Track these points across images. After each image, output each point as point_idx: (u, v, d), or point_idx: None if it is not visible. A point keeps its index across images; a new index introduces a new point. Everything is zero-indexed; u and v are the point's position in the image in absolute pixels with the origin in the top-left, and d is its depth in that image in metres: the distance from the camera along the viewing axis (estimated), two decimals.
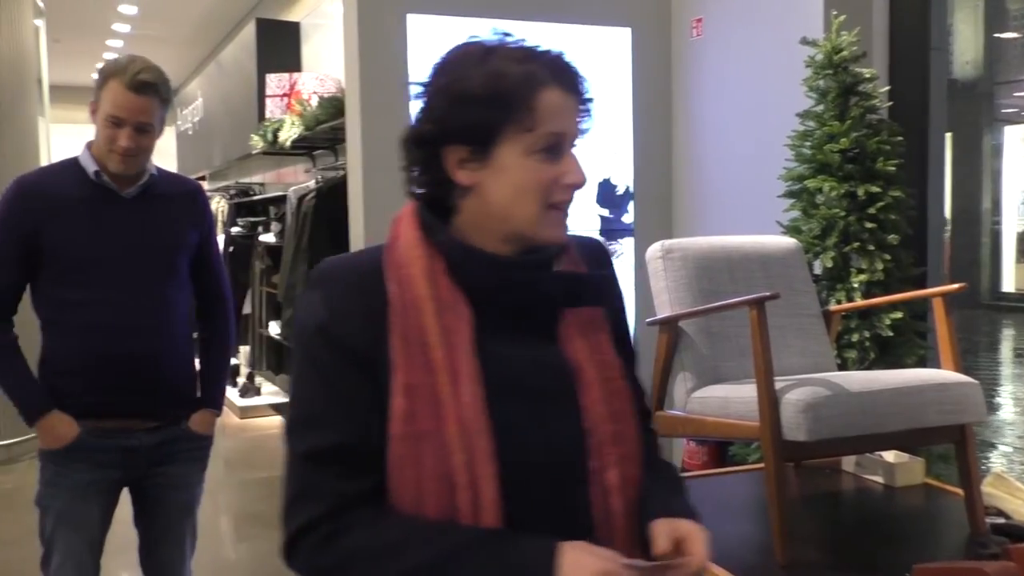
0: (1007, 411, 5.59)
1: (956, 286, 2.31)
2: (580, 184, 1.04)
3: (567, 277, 1.09)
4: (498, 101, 1.00)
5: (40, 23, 5.97)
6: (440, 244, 1.03)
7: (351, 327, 1.01)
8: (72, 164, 2.05)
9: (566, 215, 1.07)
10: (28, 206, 1.99)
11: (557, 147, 1.02)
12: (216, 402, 2.22)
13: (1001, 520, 2.27)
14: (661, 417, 2.53)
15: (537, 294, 1.06)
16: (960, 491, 2.25)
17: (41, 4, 5.99)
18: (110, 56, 11.00)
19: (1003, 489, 2.38)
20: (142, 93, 1.93)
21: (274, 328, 5.71)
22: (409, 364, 0.99)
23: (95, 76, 2.04)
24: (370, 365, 1.00)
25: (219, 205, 7.53)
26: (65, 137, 10.58)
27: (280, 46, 6.53)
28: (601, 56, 4.02)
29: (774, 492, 2.06)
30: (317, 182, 5.10)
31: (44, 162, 5.94)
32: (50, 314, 2.06)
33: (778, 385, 2.09)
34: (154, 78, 1.96)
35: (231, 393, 7.05)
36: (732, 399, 2.28)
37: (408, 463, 0.98)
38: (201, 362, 2.25)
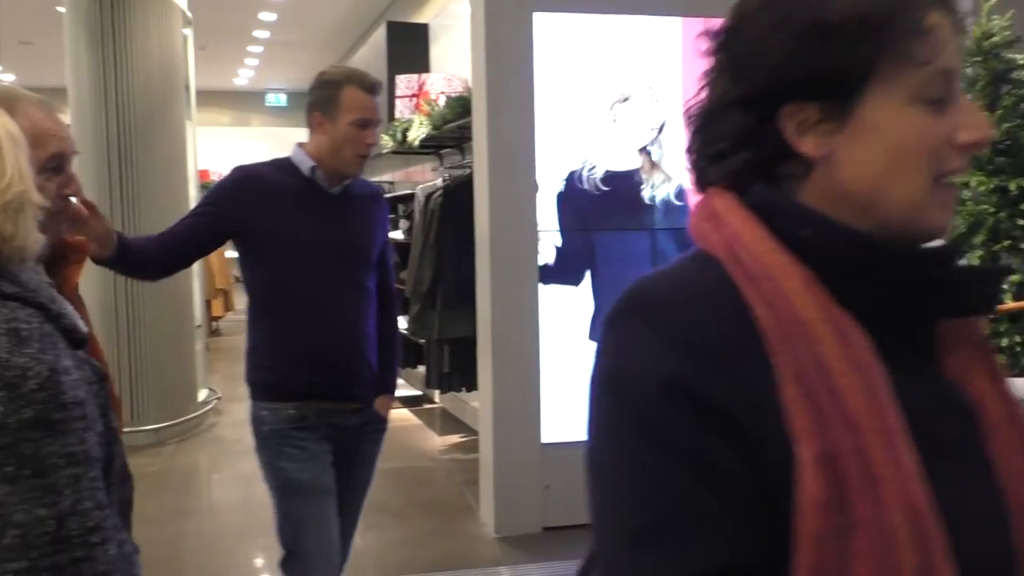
0: None
1: None
2: (984, 143, 0.72)
3: (986, 274, 0.80)
4: (873, 28, 0.69)
5: (188, 31, 6.33)
6: (806, 242, 0.71)
7: (723, 378, 0.66)
8: (285, 162, 2.18)
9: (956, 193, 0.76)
10: (246, 188, 2.13)
11: (950, 91, 0.71)
12: (392, 388, 2.39)
13: None
14: None
15: (949, 302, 0.73)
16: None
17: (189, 13, 6.35)
18: (252, 62, 11.56)
19: None
20: (376, 93, 2.10)
21: (401, 323, 5.86)
22: (820, 423, 0.65)
23: (318, 87, 2.16)
24: (747, 433, 0.66)
25: None
26: (207, 139, 11.18)
27: (409, 48, 6.68)
28: None
29: None
30: (444, 180, 5.20)
31: (191, 162, 6.29)
32: (267, 301, 2.17)
33: None
34: (378, 80, 2.14)
35: None
36: None
37: (833, 573, 0.63)
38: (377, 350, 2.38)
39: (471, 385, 5.06)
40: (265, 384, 2.17)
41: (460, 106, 4.85)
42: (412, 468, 5.11)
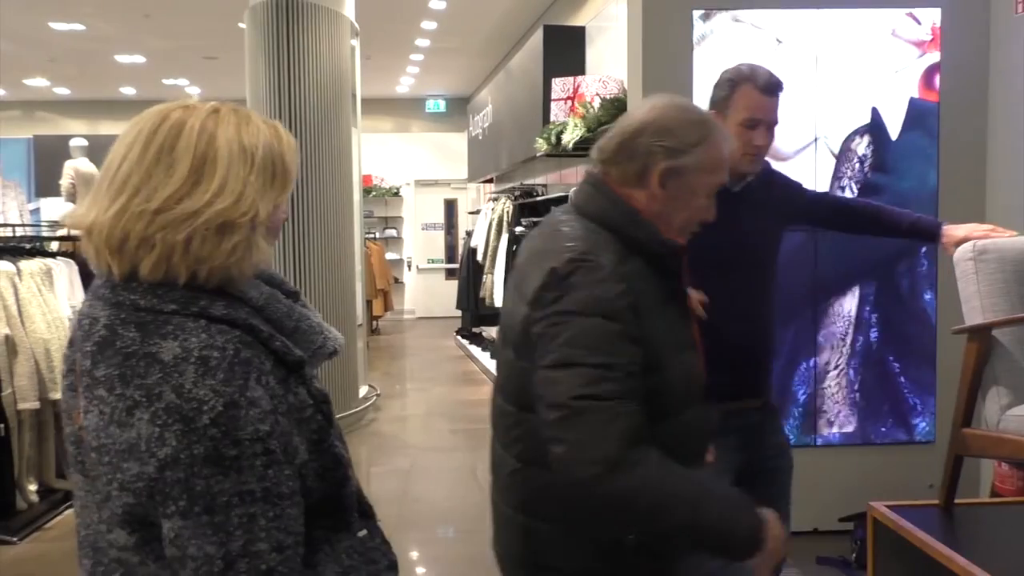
0: None
1: None
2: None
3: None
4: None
5: (355, 43, 6.62)
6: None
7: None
8: None
9: None
10: None
11: None
12: None
13: None
14: (970, 435, 2.29)
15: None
16: None
17: (357, 25, 6.64)
18: (412, 70, 11.94)
19: None
20: (773, 94, 2.08)
21: None
22: None
23: (716, 86, 2.16)
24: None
25: (504, 206, 7.90)
26: (370, 145, 11.63)
27: (566, 51, 6.71)
28: (902, 41, 3.71)
29: None
30: None
31: (356, 168, 6.57)
32: None
33: None
34: (779, 79, 2.09)
35: None
36: None
37: None
38: None
39: None
40: None
41: (615, 108, 4.83)
42: None
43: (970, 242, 2.27)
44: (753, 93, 2.06)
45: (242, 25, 6.28)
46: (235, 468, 0.98)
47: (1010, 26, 3.61)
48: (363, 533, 1.21)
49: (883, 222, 2.34)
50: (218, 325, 1.03)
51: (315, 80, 5.90)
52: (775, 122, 2.10)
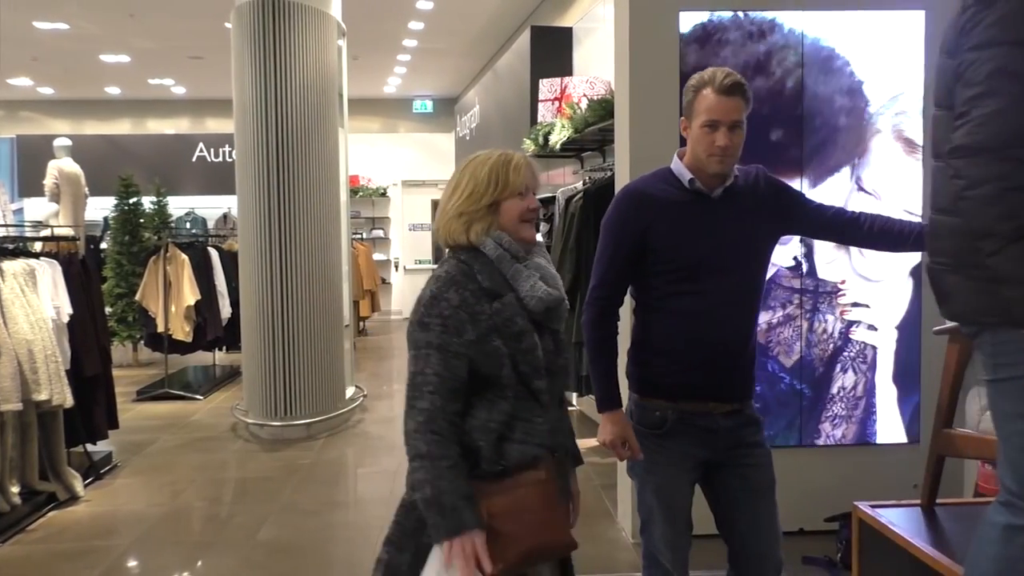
0: None
1: None
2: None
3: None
4: None
5: (342, 43, 6.60)
6: None
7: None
8: (666, 173, 2.25)
9: None
10: (640, 208, 2.21)
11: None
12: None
13: None
14: (951, 436, 2.31)
15: None
16: None
17: (344, 25, 6.62)
18: (400, 70, 11.93)
19: None
20: (732, 95, 2.10)
21: None
22: None
23: (683, 93, 2.21)
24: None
25: None
26: (357, 146, 11.61)
27: (553, 52, 6.72)
28: (890, 43, 3.73)
29: None
30: (585, 183, 5.19)
31: (343, 168, 6.56)
32: (652, 302, 2.24)
33: None
34: (739, 80, 2.12)
35: None
36: None
37: None
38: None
39: None
40: None
41: (602, 109, 4.83)
42: None
43: None
44: (711, 96, 2.09)
45: (228, 25, 6.26)
46: (425, 328, 1.77)
47: None
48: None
49: (890, 235, 2.31)
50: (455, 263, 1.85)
51: (301, 80, 5.88)
52: (738, 123, 2.11)
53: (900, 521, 2.38)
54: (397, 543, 1.84)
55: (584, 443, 5.77)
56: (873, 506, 2.49)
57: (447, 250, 1.93)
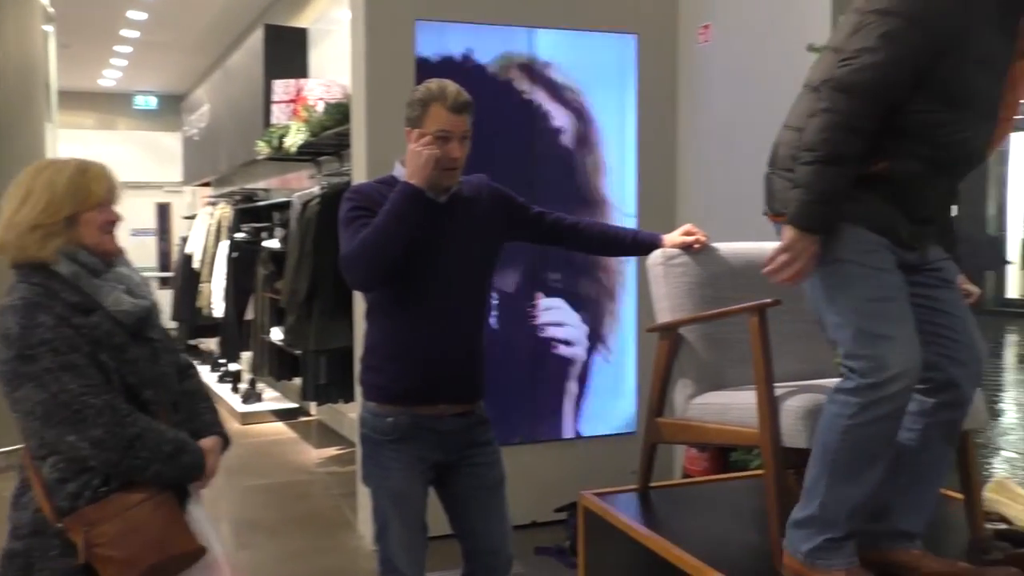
0: (1010, 417, 5.57)
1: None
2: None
3: None
4: None
5: (49, 28, 6.01)
6: None
7: None
8: (391, 179, 2.27)
9: None
10: (367, 207, 2.21)
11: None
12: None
13: (1003, 526, 2.26)
14: (661, 424, 2.53)
15: None
16: (961, 496, 2.24)
17: (51, 9, 6.03)
18: (119, 62, 11.06)
19: (1005, 495, 2.37)
20: (462, 112, 2.17)
21: (276, 334, 5.72)
22: None
23: (408, 105, 2.22)
24: None
25: (223, 211, 7.56)
26: (69, 143, 10.62)
27: (288, 52, 6.55)
28: (606, 63, 4.03)
29: (774, 499, 2.05)
30: (322, 188, 5.11)
31: None
32: (383, 307, 2.26)
33: (778, 391, 2.09)
34: (468, 99, 2.19)
35: (233, 399, 7.05)
36: (732, 406, 2.27)
37: None
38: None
39: (349, 396, 4.98)
40: None
41: (339, 113, 4.79)
42: (288, 483, 4.98)
43: (660, 249, 2.51)
44: (443, 112, 2.15)
45: None
46: (30, 360, 1.67)
47: (693, 54, 4.05)
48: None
49: (609, 240, 2.53)
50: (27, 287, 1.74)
51: None
52: (467, 135, 2.20)
53: (619, 506, 2.56)
54: None
55: (321, 453, 5.68)
56: (596, 494, 2.66)
57: (15, 272, 1.79)
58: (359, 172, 3.80)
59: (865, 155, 1.83)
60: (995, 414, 5.29)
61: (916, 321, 1.91)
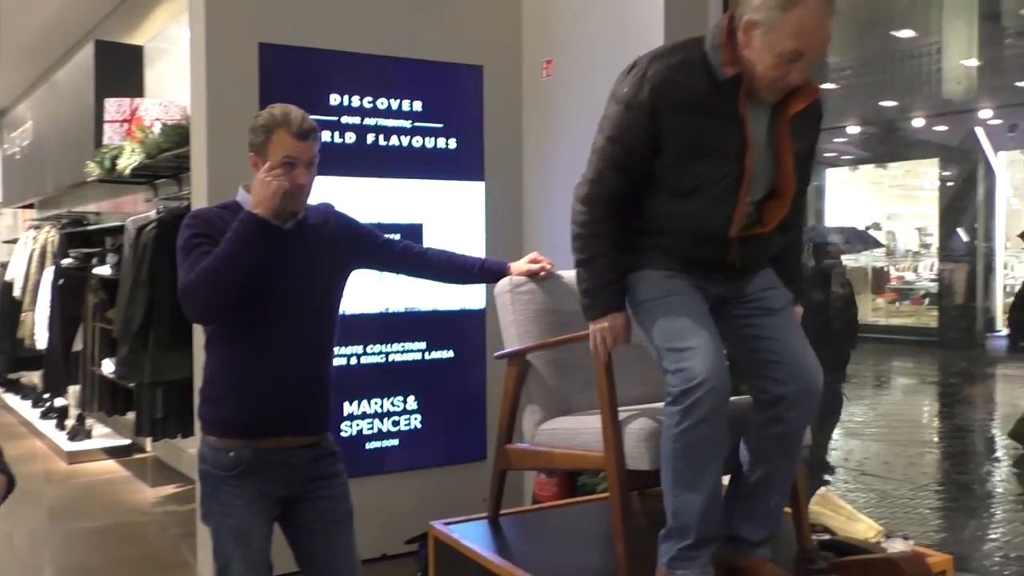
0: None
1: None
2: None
3: None
4: None
5: None
6: None
7: None
8: (234, 204, 2.22)
9: None
10: (207, 234, 2.14)
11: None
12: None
13: (826, 536, 2.42)
14: (510, 451, 2.56)
15: None
16: (788, 510, 2.38)
17: None
18: None
19: (828, 507, 2.54)
20: (307, 139, 2.14)
21: (108, 366, 5.38)
22: None
23: (252, 131, 2.19)
24: None
25: (48, 235, 7.10)
26: None
27: (121, 70, 6.25)
28: (453, 93, 4.07)
29: (619, 521, 2.11)
30: (159, 212, 4.89)
31: None
32: (223, 335, 2.19)
33: (622, 415, 2.16)
34: (313, 125, 2.17)
35: (58, 437, 6.58)
36: (578, 430, 2.33)
37: None
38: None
39: (188, 431, 4.74)
40: None
41: (177, 135, 4.59)
42: (120, 524, 4.68)
43: (507, 277, 2.55)
44: (288, 139, 2.12)
45: None
46: None
47: (537, 87, 4.16)
48: None
49: (455, 268, 2.56)
50: None
51: None
52: (313, 160, 2.18)
53: (469, 535, 2.56)
54: None
55: (157, 491, 5.38)
56: (446, 523, 2.65)
57: None
58: (199, 197, 3.66)
59: (623, 242, 2.09)
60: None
61: (742, 347, 2.10)
